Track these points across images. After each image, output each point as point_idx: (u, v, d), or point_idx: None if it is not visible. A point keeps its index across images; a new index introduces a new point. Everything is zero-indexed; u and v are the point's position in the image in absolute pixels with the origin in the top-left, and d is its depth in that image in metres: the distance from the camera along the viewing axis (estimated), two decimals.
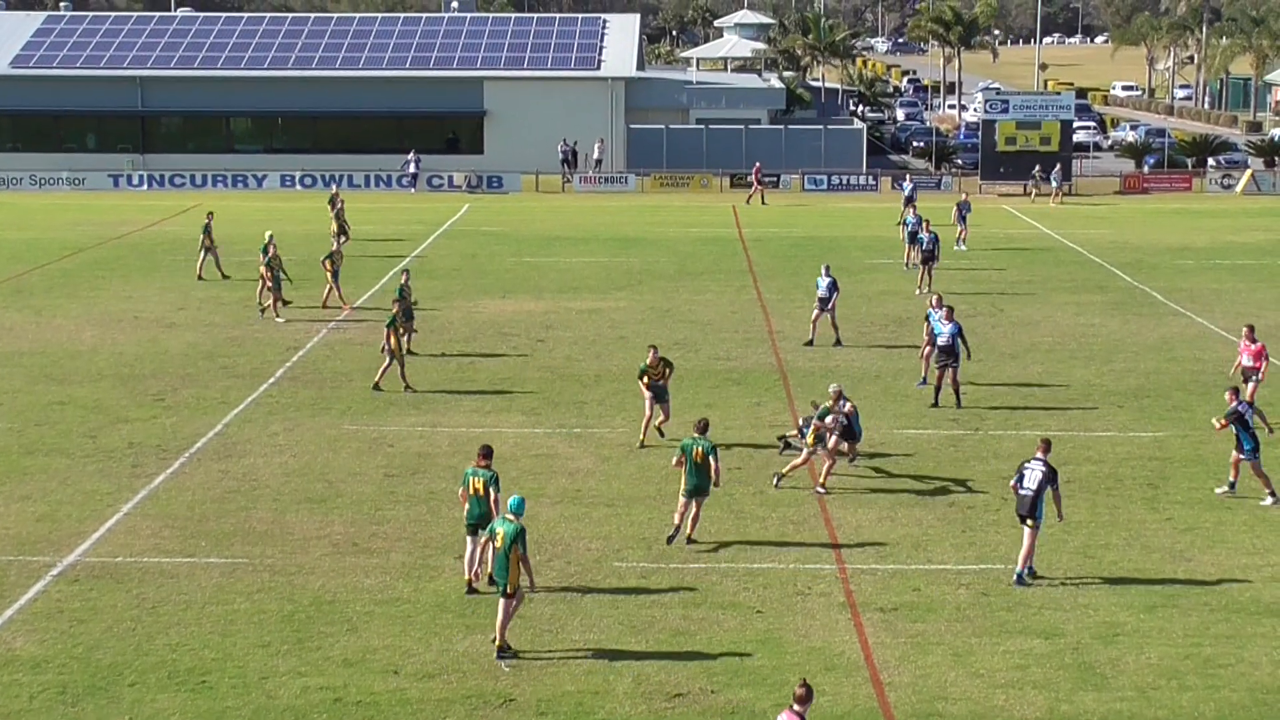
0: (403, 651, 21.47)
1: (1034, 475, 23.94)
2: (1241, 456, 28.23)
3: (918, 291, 49.01)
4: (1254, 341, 34.00)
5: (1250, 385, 33.50)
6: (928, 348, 36.31)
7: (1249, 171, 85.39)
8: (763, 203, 76.85)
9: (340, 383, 37.58)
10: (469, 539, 23.58)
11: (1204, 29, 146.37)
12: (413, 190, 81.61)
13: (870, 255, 59.07)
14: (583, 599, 23.45)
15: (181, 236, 64.19)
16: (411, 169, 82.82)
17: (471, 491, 23.58)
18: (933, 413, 34.71)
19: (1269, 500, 28.02)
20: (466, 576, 23.66)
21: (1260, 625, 22.51)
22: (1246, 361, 34.09)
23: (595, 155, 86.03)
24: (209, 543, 25.96)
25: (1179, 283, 52.64)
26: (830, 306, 41.72)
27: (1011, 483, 24.48)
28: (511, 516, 21.39)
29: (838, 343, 41.54)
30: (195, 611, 22.89)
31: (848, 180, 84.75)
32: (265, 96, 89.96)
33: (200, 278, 52.36)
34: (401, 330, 37.45)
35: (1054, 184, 77.72)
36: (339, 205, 60.71)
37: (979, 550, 25.69)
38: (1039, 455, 24.25)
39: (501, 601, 21.24)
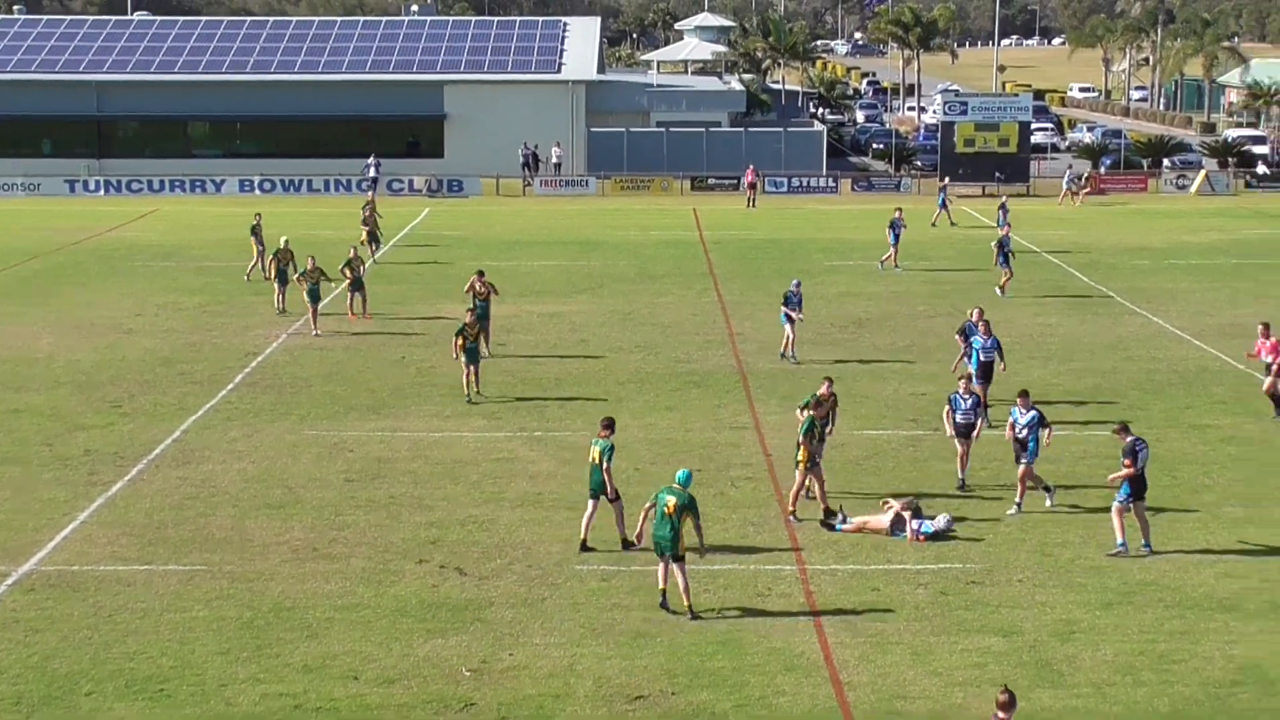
0: (363, 657, 21.42)
1: (1146, 454, 25.34)
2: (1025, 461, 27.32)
3: (1001, 294, 49.24)
4: (1268, 337, 34.31)
5: (1271, 379, 34.14)
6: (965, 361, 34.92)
7: (1203, 172, 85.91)
8: (753, 205, 77.08)
9: (300, 388, 37.48)
10: (590, 501, 25.67)
11: (1159, 31, 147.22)
12: (372, 194, 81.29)
13: (830, 257, 59.26)
14: (543, 602, 23.46)
15: (139, 242, 64.05)
16: (372, 173, 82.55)
17: (592, 460, 25.51)
18: (891, 413, 34.83)
19: (1013, 510, 27.59)
20: (583, 536, 25.72)
21: (1213, 621, 22.65)
22: (1265, 358, 34.48)
23: (554, 159, 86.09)
24: (167, 550, 25.85)
25: (1135, 282, 52.93)
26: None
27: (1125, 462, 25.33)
28: (679, 486, 22.99)
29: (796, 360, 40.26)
30: (153, 619, 22.78)
31: (808, 182, 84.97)
32: (224, 100, 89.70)
33: (248, 279, 52.73)
34: (474, 334, 36.49)
35: (1065, 185, 78.65)
36: (368, 212, 59.86)
37: (937, 550, 25.78)
38: (1129, 438, 25.44)
39: (674, 566, 22.80)
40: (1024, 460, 27.40)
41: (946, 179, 75.97)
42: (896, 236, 55.34)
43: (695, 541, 23.14)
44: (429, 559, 25.36)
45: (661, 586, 23.10)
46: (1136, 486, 25.35)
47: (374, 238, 57.97)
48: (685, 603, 22.79)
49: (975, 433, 28.86)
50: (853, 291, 51.09)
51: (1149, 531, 25.51)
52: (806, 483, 27.47)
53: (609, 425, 25.87)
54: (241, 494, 28.93)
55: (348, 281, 45.86)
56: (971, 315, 35.66)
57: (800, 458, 27.22)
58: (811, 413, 27.65)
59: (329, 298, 46.14)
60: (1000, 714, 16.04)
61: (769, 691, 20.30)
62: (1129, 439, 25.45)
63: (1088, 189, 79.98)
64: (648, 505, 23.32)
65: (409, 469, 30.56)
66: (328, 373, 39.05)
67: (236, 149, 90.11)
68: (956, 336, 36.12)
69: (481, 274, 41.89)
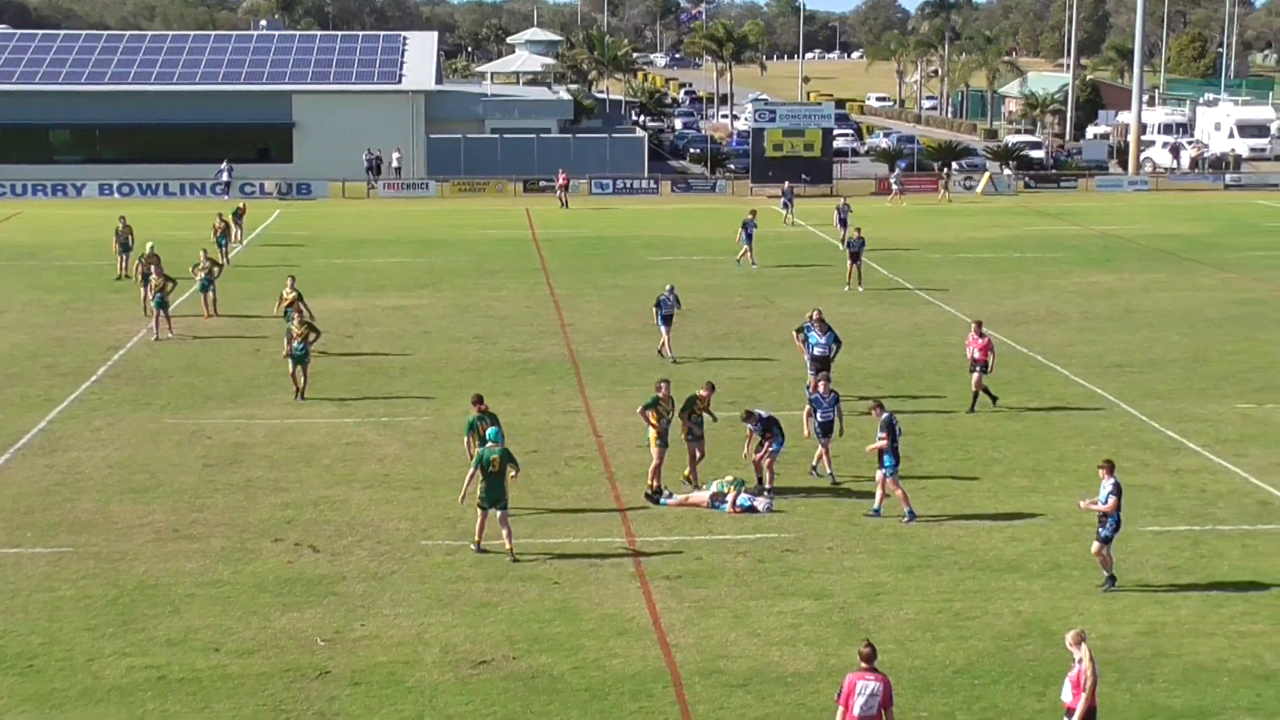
0: (223, 630, 21.08)
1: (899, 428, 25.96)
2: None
3: (846, 288, 49.42)
4: (981, 336, 33.49)
5: (976, 374, 33.35)
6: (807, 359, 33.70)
7: (987, 174, 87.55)
8: (565, 205, 76.95)
9: (160, 379, 36.75)
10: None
11: (946, 46, 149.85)
12: (226, 198, 79.80)
13: (653, 253, 59.41)
14: (392, 576, 23.25)
15: (3, 243, 62.48)
16: (225, 177, 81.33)
17: (479, 434, 25.35)
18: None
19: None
20: None
21: (1002, 581, 23.08)
22: (974, 354, 33.32)
23: (394, 164, 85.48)
24: (35, 533, 25.21)
25: (929, 275, 53.76)
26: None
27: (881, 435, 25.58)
28: (494, 444, 23.73)
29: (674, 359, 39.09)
30: (22, 599, 22.21)
31: (631, 184, 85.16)
32: (83, 109, 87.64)
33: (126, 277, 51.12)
34: (300, 335, 34.41)
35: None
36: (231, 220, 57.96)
37: (755, 521, 25.96)
38: (883, 414, 25.83)
39: (500, 514, 23.57)
40: (770, 450, 27.34)
41: (788, 182, 75.93)
42: (749, 236, 55.52)
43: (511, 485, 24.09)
44: (284, 538, 25.01)
45: (477, 539, 23.98)
46: (897, 458, 25.75)
47: (226, 236, 56.14)
48: (509, 547, 23.69)
49: (837, 431, 28.27)
50: (674, 284, 51.07)
51: (909, 500, 25.90)
52: (665, 460, 27.18)
53: (480, 400, 26.73)
54: (106, 480, 28.30)
55: (198, 283, 44.82)
56: (811, 316, 34.43)
57: (652, 436, 27.07)
58: (657, 394, 27.30)
59: (180, 300, 45.15)
60: (864, 665, 16.22)
61: (603, 654, 20.32)
62: (884, 415, 25.83)
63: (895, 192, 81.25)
64: (472, 471, 23.83)
65: (264, 454, 30.11)
66: (186, 365, 38.34)
67: (96, 155, 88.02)
68: (793, 333, 34.95)
69: (292, 279, 40.85)
